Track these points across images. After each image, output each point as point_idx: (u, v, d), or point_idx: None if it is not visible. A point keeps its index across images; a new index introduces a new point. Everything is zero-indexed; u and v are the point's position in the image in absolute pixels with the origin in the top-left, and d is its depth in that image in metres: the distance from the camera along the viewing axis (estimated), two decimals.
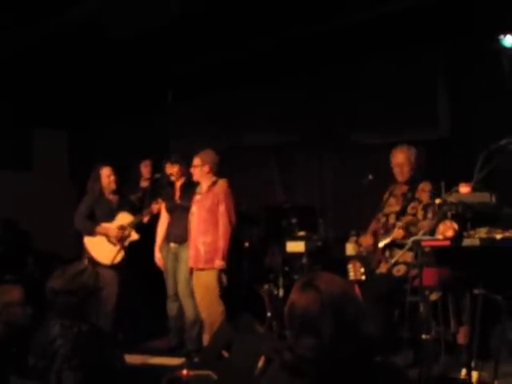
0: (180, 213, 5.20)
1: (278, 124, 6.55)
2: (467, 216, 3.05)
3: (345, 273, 4.47)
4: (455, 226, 3.02)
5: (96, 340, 2.59)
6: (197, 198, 5.09)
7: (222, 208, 4.96)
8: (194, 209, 5.07)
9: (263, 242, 6.02)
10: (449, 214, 3.07)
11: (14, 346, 2.74)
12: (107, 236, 5.23)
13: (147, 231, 5.41)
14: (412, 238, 3.52)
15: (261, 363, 3.29)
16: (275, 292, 5.36)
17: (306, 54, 5.79)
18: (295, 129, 6.47)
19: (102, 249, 5.23)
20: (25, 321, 2.97)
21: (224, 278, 4.96)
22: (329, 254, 5.61)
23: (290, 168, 6.61)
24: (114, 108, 7.21)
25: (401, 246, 4.19)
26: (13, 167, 7.48)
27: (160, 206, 5.34)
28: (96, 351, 2.54)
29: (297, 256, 5.43)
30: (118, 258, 5.23)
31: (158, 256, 5.37)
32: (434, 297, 4.03)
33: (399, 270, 4.29)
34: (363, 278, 4.41)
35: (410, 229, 4.23)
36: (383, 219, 4.55)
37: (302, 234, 5.57)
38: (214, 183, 5.06)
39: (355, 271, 4.46)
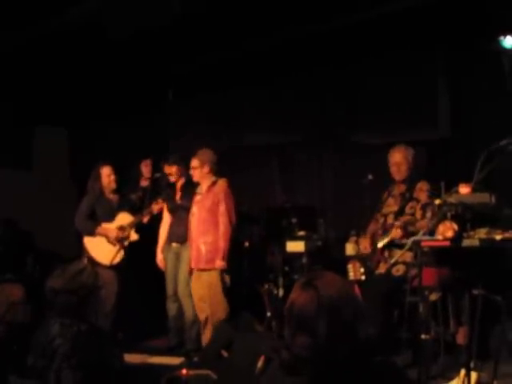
0: (181, 213, 5.20)
1: (279, 124, 6.55)
2: (467, 216, 3.05)
3: (344, 273, 4.47)
4: (455, 226, 3.02)
5: (95, 339, 2.59)
6: (197, 198, 5.09)
7: (222, 208, 4.96)
8: (195, 209, 5.08)
9: (263, 241, 6.03)
10: (448, 214, 3.07)
11: (15, 345, 2.75)
12: (107, 237, 5.23)
13: (147, 231, 5.42)
14: (412, 238, 3.51)
15: (260, 362, 3.30)
16: (275, 292, 5.36)
17: (306, 54, 5.79)
18: (296, 129, 6.47)
19: (101, 249, 5.23)
20: (26, 320, 2.98)
21: (226, 278, 4.96)
22: (329, 254, 5.61)
23: (290, 168, 6.61)
24: (114, 107, 7.21)
25: (400, 246, 4.20)
26: (13, 166, 7.48)
27: (160, 206, 5.34)
28: (95, 350, 2.54)
29: (297, 256, 5.44)
30: (118, 259, 5.23)
31: (160, 257, 5.37)
32: (433, 297, 4.03)
33: (398, 270, 4.29)
34: (363, 278, 4.42)
35: (408, 228, 4.24)
36: (382, 219, 4.56)
37: (302, 233, 5.58)
38: (213, 183, 5.06)
39: (355, 271, 4.47)
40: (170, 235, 5.32)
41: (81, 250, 5.33)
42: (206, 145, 5.28)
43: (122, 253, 5.24)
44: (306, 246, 5.41)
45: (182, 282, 5.14)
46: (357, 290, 4.23)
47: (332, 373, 1.74)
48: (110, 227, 5.26)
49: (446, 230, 3.04)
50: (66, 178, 7.99)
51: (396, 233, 4.28)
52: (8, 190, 7.00)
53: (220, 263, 4.89)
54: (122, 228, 5.25)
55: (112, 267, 5.17)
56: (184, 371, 3.45)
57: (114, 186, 5.36)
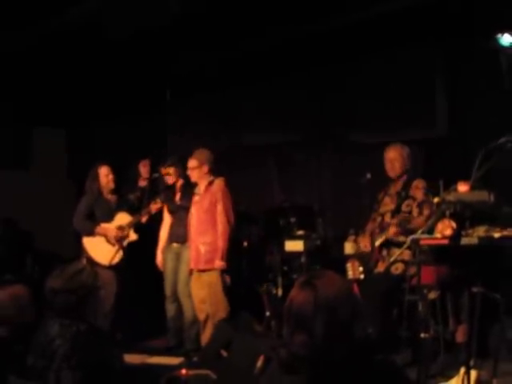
0: (181, 213, 5.20)
1: (277, 124, 6.55)
2: (466, 215, 3.05)
3: (343, 272, 4.47)
4: (453, 224, 3.03)
5: (94, 339, 2.59)
6: (195, 198, 5.09)
7: (219, 207, 4.95)
8: (193, 210, 5.07)
9: (262, 241, 6.02)
10: (447, 212, 3.07)
11: (19, 345, 2.75)
12: (106, 236, 5.23)
13: (146, 232, 5.41)
14: (411, 237, 3.52)
15: (260, 362, 3.29)
16: (274, 291, 5.36)
17: (304, 53, 5.79)
18: (294, 128, 6.47)
19: (100, 249, 5.23)
20: (32, 320, 2.99)
21: (227, 278, 4.96)
22: (327, 253, 5.62)
23: (288, 168, 6.61)
24: (113, 107, 7.21)
25: (398, 245, 4.20)
26: (11, 166, 7.48)
27: (158, 206, 5.34)
28: (95, 351, 2.54)
29: (296, 255, 5.44)
30: (117, 259, 5.22)
31: (160, 258, 5.37)
32: (432, 295, 4.03)
33: (397, 269, 4.30)
34: (362, 276, 4.42)
35: (403, 225, 4.24)
36: (379, 219, 4.57)
37: (300, 233, 5.58)
38: (210, 183, 5.04)
39: (354, 270, 4.47)
40: (170, 236, 5.31)
41: (80, 250, 5.33)
42: (205, 145, 5.28)
43: (120, 253, 5.24)
44: (305, 245, 5.40)
45: (182, 281, 5.14)
46: (356, 288, 4.23)
47: (330, 372, 1.74)
48: (110, 227, 5.25)
49: (445, 228, 3.05)
50: (65, 178, 7.99)
51: (391, 230, 4.29)
52: (6, 190, 7.00)
53: (219, 263, 4.88)
54: (121, 228, 5.25)
55: (111, 267, 5.17)
56: (183, 371, 3.44)
57: (112, 185, 5.36)
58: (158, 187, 5.60)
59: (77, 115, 7.63)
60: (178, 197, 5.34)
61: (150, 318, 5.59)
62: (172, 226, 5.33)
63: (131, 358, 4.31)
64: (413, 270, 3.92)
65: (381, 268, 4.38)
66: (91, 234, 5.24)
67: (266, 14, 5.11)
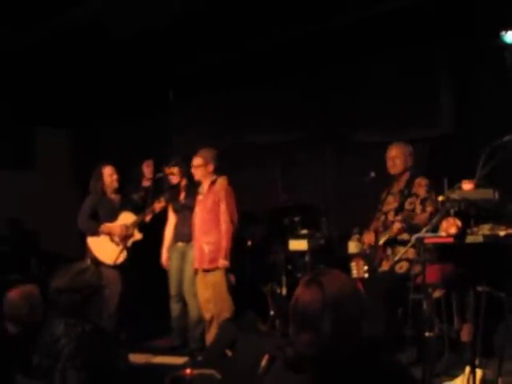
0: (186, 212, 5.20)
1: (281, 123, 6.54)
2: (470, 213, 3.04)
3: (348, 271, 4.47)
4: (458, 222, 3.01)
5: (99, 339, 2.59)
6: (199, 198, 5.09)
7: (223, 206, 4.95)
8: (197, 209, 5.07)
9: (266, 240, 6.02)
10: (452, 210, 3.06)
11: (28, 344, 2.76)
12: (111, 235, 5.23)
13: (150, 232, 5.42)
14: (415, 235, 3.51)
15: (264, 362, 3.29)
16: (278, 290, 5.36)
17: (307, 53, 5.78)
18: (297, 128, 6.46)
19: (104, 249, 5.23)
20: (41, 319, 3.01)
21: (231, 278, 4.96)
22: (332, 252, 5.60)
23: (292, 167, 6.61)
24: (116, 107, 7.22)
25: (402, 243, 4.20)
26: (15, 167, 7.50)
27: (162, 205, 5.34)
28: (99, 351, 2.54)
29: (300, 254, 5.43)
30: (121, 258, 5.23)
31: (165, 257, 5.37)
32: (437, 294, 4.02)
33: (402, 267, 4.29)
34: (366, 275, 4.42)
35: (407, 221, 4.23)
36: (382, 217, 4.56)
37: (304, 232, 5.57)
38: (213, 182, 5.04)
39: (358, 269, 4.47)
40: (175, 235, 5.32)
41: (84, 250, 5.33)
42: (208, 144, 5.28)
43: (125, 253, 5.25)
44: (309, 244, 5.39)
45: (188, 280, 5.14)
46: (360, 287, 4.23)
47: (337, 370, 1.72)
48: (114, 225, 5.26)
49: (450, 227, 3.04)
50: (69, 178, 8.01)
51: (396, 226, 4.28)
52: (11, 190, 7.02)
53: (223, 262, 4.88)
54: (125, 227, 5.25)
55: (115, 267, 5.17)
56: (188, 371, 3.44)
57: (115, 185, 5.37)
58: (162, 187, 5.61)
59: (81, 115, 7.64)
60: (182, 196, 5.35)
61: (155, 318, 5.60)
62: (177, 226, 5.33)
63: (136, 358, 4.32)
64: (417, 268, 3.91)
65: (385, 267, 4.38)
66: (96, 233, 5.25)
67: (270, 14, 5.11)
